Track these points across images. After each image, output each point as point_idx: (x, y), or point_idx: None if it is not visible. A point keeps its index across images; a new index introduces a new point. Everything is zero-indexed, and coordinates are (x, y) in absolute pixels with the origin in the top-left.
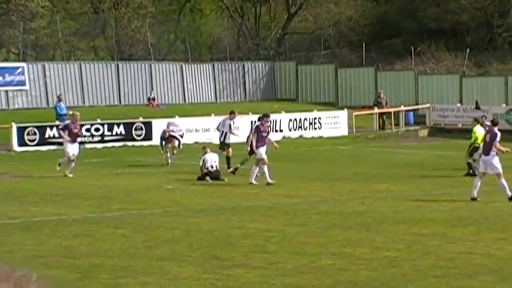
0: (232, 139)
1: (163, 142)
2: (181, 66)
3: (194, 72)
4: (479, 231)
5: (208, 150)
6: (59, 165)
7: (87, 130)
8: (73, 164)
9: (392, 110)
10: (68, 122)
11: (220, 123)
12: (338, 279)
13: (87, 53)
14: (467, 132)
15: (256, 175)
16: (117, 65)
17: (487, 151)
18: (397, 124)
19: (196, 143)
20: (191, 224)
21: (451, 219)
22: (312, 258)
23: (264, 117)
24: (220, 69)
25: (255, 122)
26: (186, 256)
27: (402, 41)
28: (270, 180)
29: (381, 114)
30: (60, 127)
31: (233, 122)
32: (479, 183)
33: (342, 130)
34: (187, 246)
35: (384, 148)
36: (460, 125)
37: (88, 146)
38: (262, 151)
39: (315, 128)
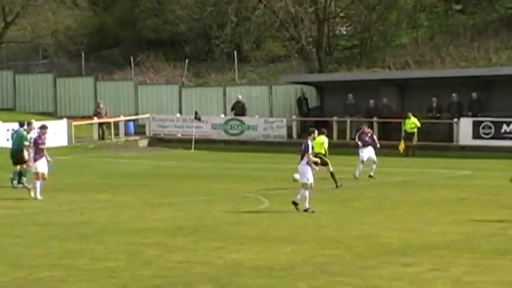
0: None
1: None
2: None
3: None
4: (199, 240)
5: None
6: None
7: None
8: None
9: (112, 120)
10: None
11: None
12: None
13: None
14: (186, 142)
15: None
16: None
17: (299, 160)
18: (117, 134)
19: None
20: None
21: (171, 228)
22: (30, 270)
23: (42, 128)
24: None
25: None
26: None
27: (121, 51)
28: (39, 197)
29: (100, 124)
30: None
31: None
32: (306, 193)
33: (61, 140)
34: None
35: (104, 158)
36: (179, 135)
37: None
38: (39, 165)
39: None
